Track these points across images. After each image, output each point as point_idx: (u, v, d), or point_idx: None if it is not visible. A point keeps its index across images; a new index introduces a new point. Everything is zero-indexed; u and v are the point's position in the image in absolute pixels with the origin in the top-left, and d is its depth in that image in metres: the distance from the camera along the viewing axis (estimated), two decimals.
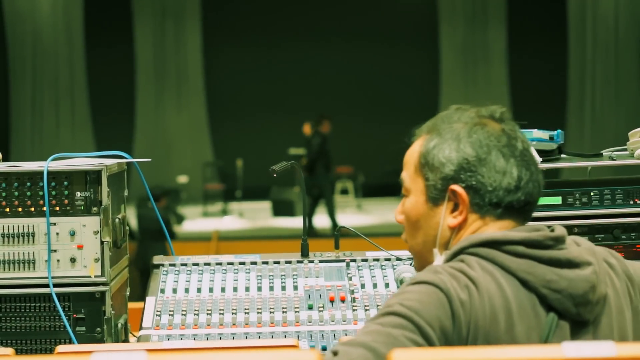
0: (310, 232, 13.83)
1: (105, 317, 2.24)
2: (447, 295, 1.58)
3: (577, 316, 1.61)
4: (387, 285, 2.41)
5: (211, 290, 2.40)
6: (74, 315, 2.24)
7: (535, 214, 1.76)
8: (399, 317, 1.57)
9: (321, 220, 13.29)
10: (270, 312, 2.32)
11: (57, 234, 2.24)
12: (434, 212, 1.74)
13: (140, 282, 8.83)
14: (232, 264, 2.50)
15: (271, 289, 2.41)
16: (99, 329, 2.24)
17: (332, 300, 2.35)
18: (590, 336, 1.63)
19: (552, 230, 1.69)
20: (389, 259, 2.51)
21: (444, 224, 1.73)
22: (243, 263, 2.51)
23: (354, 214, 15.08)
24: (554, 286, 1.60)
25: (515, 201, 1.68)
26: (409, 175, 1.78)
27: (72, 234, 2.24)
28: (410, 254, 1.89)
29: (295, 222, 13.23)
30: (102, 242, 2.25)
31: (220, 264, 2.50)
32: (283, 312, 2.31)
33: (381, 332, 1.56)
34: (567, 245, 1.67)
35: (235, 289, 2.40)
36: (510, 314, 1.58)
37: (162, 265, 2.49)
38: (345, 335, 2.22)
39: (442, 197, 1.72)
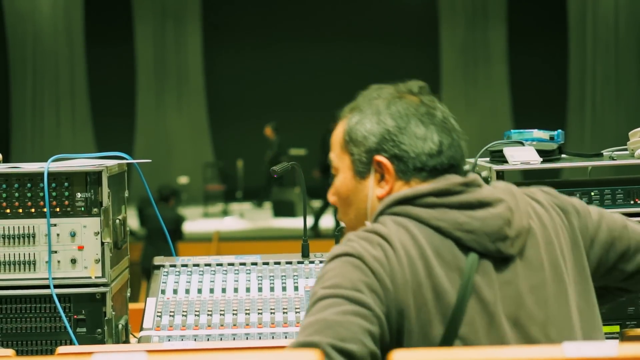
0: (316, 232, 13.83)
1: (106, 318, 2.24)
2: (360, 258, 1.62)
3: (498, 252, 1.66)
4: None
5: (212, 291, 2.40)
6: (75, 316, 2.24)
7: None
8: (326, 300, 1.61)
9: (326, 221, 13.31)
10: (271, 313, 2.32)
11: (58, 235, 2.24)
12: (362, 186, 1.80)
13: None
14: (232, 264, 2.50)
15: (272, 289, 2.41)
16: (99, 330, 2.24)
17: None
18: (519, 269, 1.67)
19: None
20: None
21: (372, 195, 1.79)
22: (244, 264, 2.51)
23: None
24: (467, 227, 1.65)
25: (438, 165, 1.74)
26: (336, 155, 1.85)
27: (73, 235, 2.24)
28: None
29: (296, 223, 13.23)
30: (102, 243, 2.25)
31: (220, 264, 2.50)
32: (284, 312, 2.31)
33: (318, 321, 1.59)
34: (482, 188, 1.72)
35: (235, 290, 2.40)
36: (427, 260, 1.63)
37: (163, 266, 2.49)
38: None
39: (368, 170, 1.78)
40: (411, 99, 1.79)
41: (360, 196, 1.81)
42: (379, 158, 1.76)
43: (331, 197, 1.88)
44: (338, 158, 1.84)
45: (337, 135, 1.85)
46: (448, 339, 1.60)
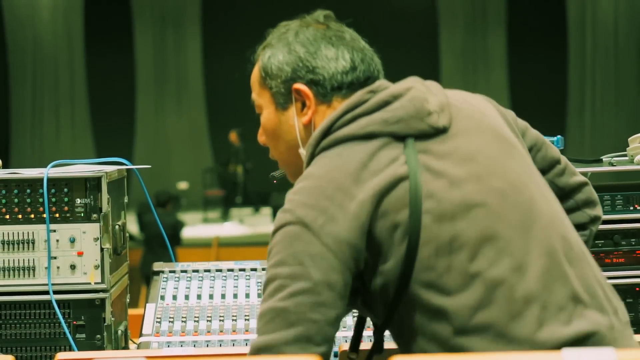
0: None
1: (105, 324, 2.24)
2: (301, 223, 1.64)
3: (431, 128, 1.70)
4: None
5: (211, 296, 2.39)
6: (74, 322, 2.24)
7: None
8: (274, 282, 1.64)
9: None
10: None
11: (57, 240, 2.24)
12: (286, 117, 1.85)
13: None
14: (232, 270, 2.50)
15: None
16: (98, 335, 2.24)
17: None
18: (459, 137, 1.72)
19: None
20: None
21: (298, 124, 1.83)
22: (243, 269, 2.51)
23: None
24: (393, 119, 1.70)
25: (354, 79, 1.80)
26: (256, 94, 1.90)
27: (72, 240, 2.24)
28: (288, 177, 1.96)
29: None
30: (102, 249, 2.25)
31: (220, 270, 2.50)
32: None
33: (270, 310, 1.62)
34: (389, 87, 1.77)
35: (235, 296, 2.40)
36: (365, 165, 1.66)
37: (162, 272, 2.49)
38: (345, 342, 2.22)
39: (289, 100, 1.83)
40: (318, 26, 1.85)
41: (286, 127, 1.85)
42: (297, 86, 1.81)
43: (260, 137, 1.92)
44: (259, 96, 1.89)
45: (254, 75, 1.91)
46: (416, 214, 1.62)
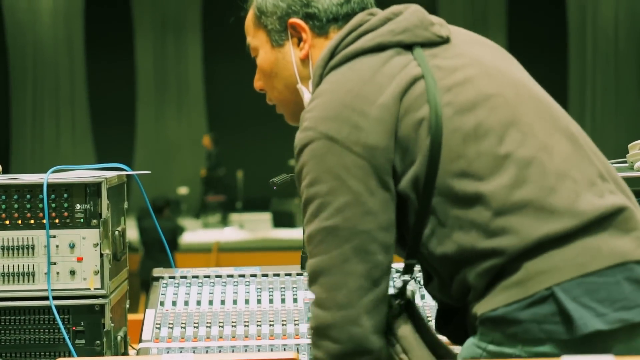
0: None
1: (105, 329, 2.24)
2: (327, 137, 1.65)
3: (436, 36, 1.76)
4: None
5: (211, 302, 2.39)
6: (73, 328, 2.23)
7: None
8: (314, 202, 1.65)
9: None
10: (270, 325, 2.31)
11: (57, 246, 2.24)
12: (282, 54, 1.87)
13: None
14: (231, 276, 2.50)
15: (271, 301, 2.40)
16: (98, 341, 2.24)
17: None
18: (463, 45, 1.78)
19: None
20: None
21: (295, 59, 1.85)
22: (243, 275, 2.50)
23: None
24: (399, 29, 1.74)
25: (349, 10, 1.83)
26: (251, 36, 1.93)
27: (72, 246, 2.24)
28: (286, 119, 1.98)
29: (296, 234, 13.22)
30: (101, 255, 2.24)
31: (220, 276, 2.50)
32: (283, 324, 2.31)
33: (319, 231, 1.65)
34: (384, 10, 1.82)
35: (235, 302, 2.40)
36: (379, 71, 1.69)
37: (162, 277, 2.49)
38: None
39: (285, 37, 1.86)
40: None
41: (283, 64, 1.87)
42: (292, 20, 1.84)
43: (257, 83, 1.94)
44: (254, 37, 1.92)
45: (249, 18, 1.94)
46: (436, 107, 1.65)
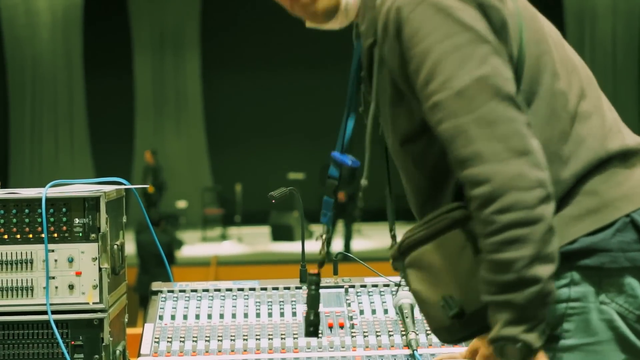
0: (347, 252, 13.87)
1: (104, 344, 2.23)
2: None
3: None
4: (385, 311, 2.40)
5: (210, 316, 2.39)
6: (72, 342, 2.23)
7: None
8: (457, 53, 1.59)
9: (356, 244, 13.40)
10: (269, 339, 2.31)
11: (56, 260, 2.24)
12: None
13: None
14: (230, 290, 2.50)
15: (270, 315, 2.40)
16: (97, 356, 2.23)
17: (330, 327, 2.35)
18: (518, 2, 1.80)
19: None
20: (387, 285, 2.51)
21: None
22: (242, 289, 2.50)
23: (353, 239, 15.09)
24: None
25: None
26: None
27: (71, 260, 2.24)
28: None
29: (294, 247, 13.22)
30: (100, 269, 2.24)
31: (218, 290, 2.50)
32: (282, 338, 2.31)
33: (472, 83, 1.59)
34: None
35: (233, 316, 2.39)
36: None
37: (161, 291, 2.49)
38: None
39: None
40: None
41: None
42: None
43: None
44: None
45: None
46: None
